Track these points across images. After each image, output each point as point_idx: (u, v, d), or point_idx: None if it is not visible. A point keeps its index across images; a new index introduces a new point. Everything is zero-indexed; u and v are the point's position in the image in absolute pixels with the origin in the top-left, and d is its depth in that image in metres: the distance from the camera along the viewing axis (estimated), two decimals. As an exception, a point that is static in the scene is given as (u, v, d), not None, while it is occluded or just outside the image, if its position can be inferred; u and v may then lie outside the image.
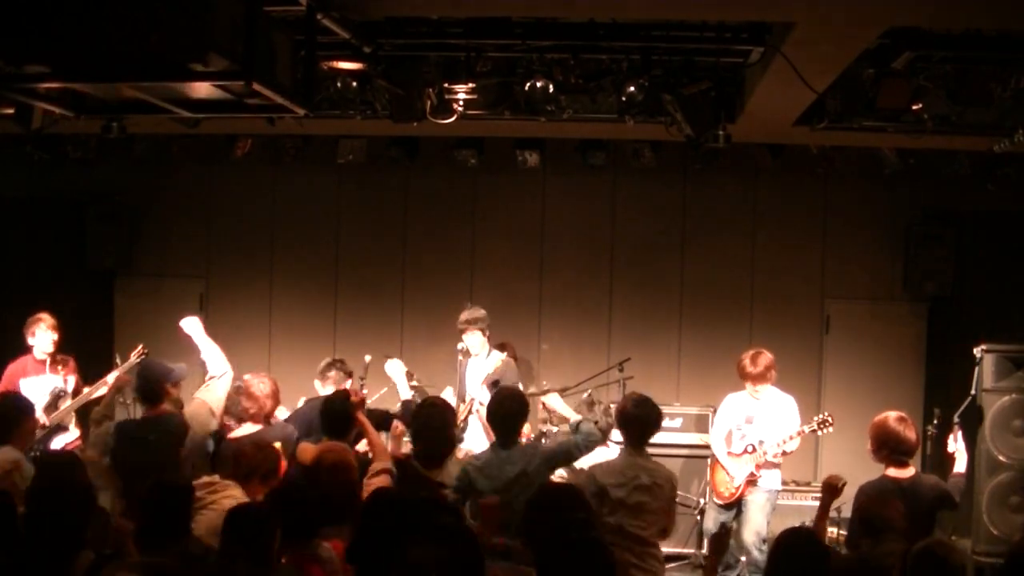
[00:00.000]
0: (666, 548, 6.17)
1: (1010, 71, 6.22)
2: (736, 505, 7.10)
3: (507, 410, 5.39)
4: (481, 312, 7.79)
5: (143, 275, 9.94)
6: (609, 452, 6.32)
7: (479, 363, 7.74)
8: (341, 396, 5.80)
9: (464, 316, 7.74)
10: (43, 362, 7.28)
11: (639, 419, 5.40)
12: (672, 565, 6.15)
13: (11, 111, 6.51)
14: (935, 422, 8.30)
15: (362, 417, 5.56)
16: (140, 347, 7.39)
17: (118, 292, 9.95)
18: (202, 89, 4.50)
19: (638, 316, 9.64)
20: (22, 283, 9.82)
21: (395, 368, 6.56)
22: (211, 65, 4.04)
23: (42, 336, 7.29)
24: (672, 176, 9.44)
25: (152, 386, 5.97)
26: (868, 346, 9.40)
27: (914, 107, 6.50)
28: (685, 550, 7.96)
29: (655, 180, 9.42)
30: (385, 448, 5.51)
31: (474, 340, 7.68)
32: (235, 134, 8.95)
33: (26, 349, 7.39)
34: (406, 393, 6.50)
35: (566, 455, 5.50)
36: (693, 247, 9.67)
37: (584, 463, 5.97)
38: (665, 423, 7.95)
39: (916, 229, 9.23)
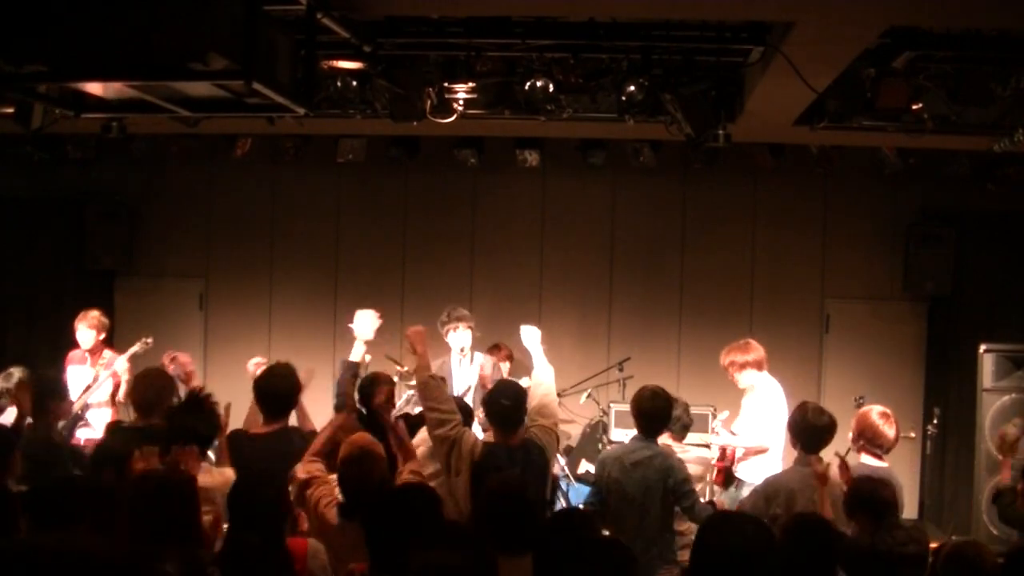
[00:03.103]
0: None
1: (1010, 71, 6.21)
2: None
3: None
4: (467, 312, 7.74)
5: (143, 275, 9.95)
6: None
7: (464, 365, 7.66)
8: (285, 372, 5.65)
9: (455, 313, 7.63)
10: (93, 353, 7.51)
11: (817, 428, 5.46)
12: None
13: (11, 111, 6.53)
14: (934, 422, 8.32)
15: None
16: (146, 338, 7.48)
17: (118, 292, 9.95)
18: (202, 88, 4.50)
19: (638, 315, 9.65)
20: (22, 283, 9.84)
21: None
22: (211, 65, 4.04)
23: (82, 332, 7.50)
24: (672, 176, 9.44)
25: None
26: (868, 346, 9.40)
27: (914, 107, 6.51)
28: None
29: (655, 180, 9.42)
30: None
31: (465, 337, 7.59)
32: (235, 134, 8.95)
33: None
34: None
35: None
36: (693, 247, 9.67)
37: None
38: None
39: (916, 229, 9.23)
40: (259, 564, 3.66)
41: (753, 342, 7.07)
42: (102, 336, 7.58)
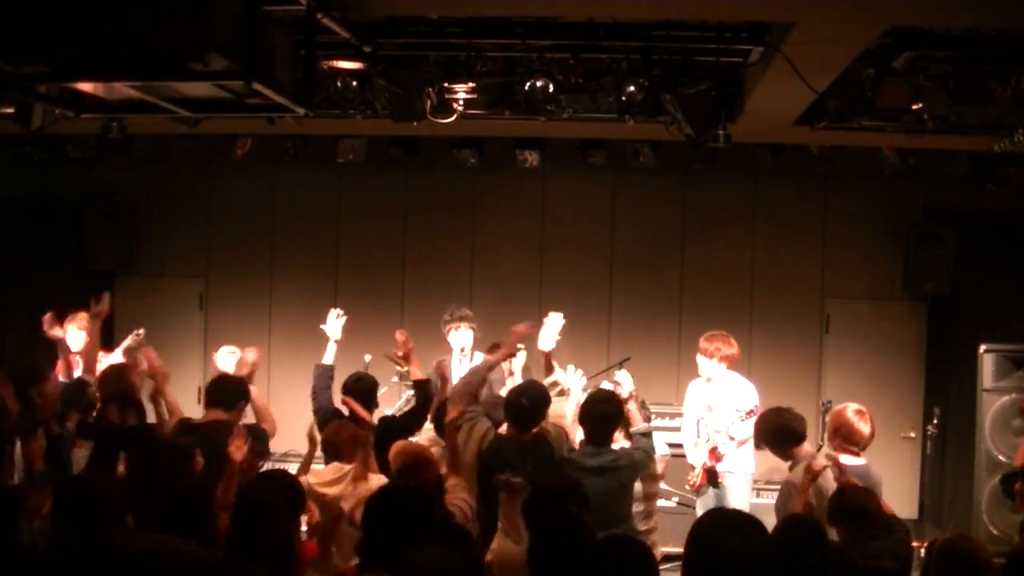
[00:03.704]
0: (666, 548, 6.16)
1: (1010, 71, 6.21)
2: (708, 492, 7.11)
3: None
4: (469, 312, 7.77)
5: (143, 275, 9.94)
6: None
7: (465, 365, 7.65)
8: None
9: (457, 312, 7.65)
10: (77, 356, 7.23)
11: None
12: (667, 566, 6.13)
13: (11, 111, 6.52)
14: (934, 422, 8.33)
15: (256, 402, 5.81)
16: (137, 330, 7.34)
17: (118, 292, 9.89)
18: (202, 88, 4.50)
19: (638, 316, 9.64)
20: (22, 283, 9.83)
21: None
22: (211, 65, 4.05)
23: (72, 334, 7.28)
24: (672, 176, 9.44)
25: None
26: (868, 346, 9.39)
27: (914, 107, 6.50)
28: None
29: (655, 180, 9.42)
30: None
31: (467, 337, 7.60)
32: (235, 134, 8.95)
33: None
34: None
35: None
36: (693, 247, 9.67)
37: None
38: (665, 423, 8.00)
39: (916, 229, 9.22)
40: (262, 560, 3.66)
41: (732, 338, 7.13)
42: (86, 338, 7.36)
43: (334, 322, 6.70)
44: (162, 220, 9.98)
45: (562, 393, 5.86)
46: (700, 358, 7.16)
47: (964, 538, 3.94)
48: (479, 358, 7.65)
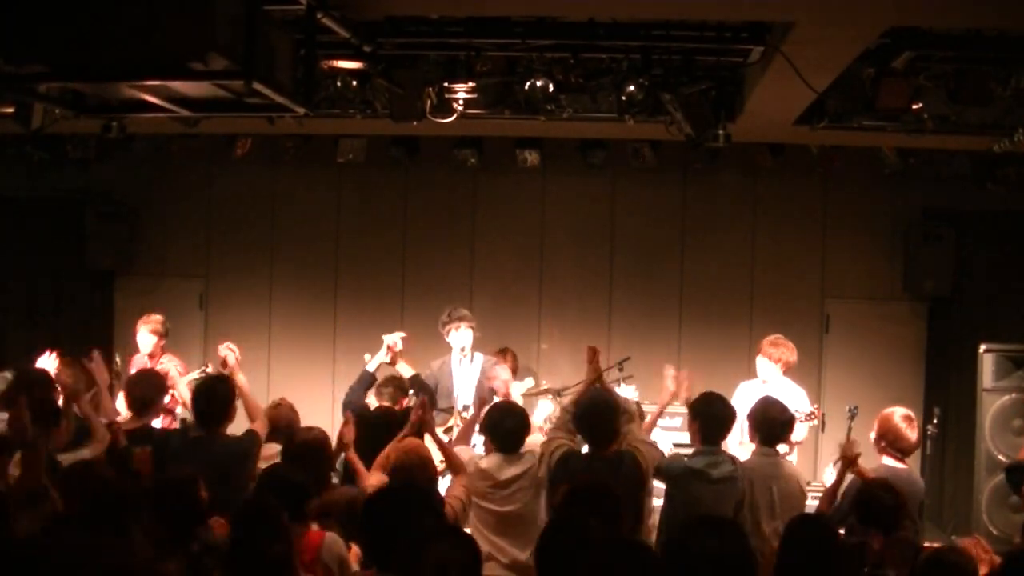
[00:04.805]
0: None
1: (1010, 71, 6.21)
2: None
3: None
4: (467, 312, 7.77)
5: (143, 275, 9.94)
6: None
7: (464, 365, 7.66)
8: (221, 379, 5.78)
9: (456, 312, 7.64)
10: (152, 357, 7.40)
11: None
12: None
13: (11, 111, 6.52)
14: (934, 421, 8.32)
15: (248, 399, 5.77)
16: (203, 367, 7.31)
17: (118, 292, 9.95)
18: (202, 88, 4.50)
19: (638, 316, 9.64)
20: (22, 283, 9.84)
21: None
22: (211, 65, 4.05)
23: (142, 336, 7.42)
24: (672, 176, 9.44)
25: None
26: (868, 346, 9.40)
27: (914, 107, 6.51)
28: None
29: (655, 180, 9.42)
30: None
31: (466, 337, 7.59)
32: (235, 134, 8.95)
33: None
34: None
35: None
36: (693, 247, 9.67)
37: None
38: (665, 422, 7.98)
39: (916, 229, 9.22)
40: (263, 568, 3.67)
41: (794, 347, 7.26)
42: (163, 343, 7.47)
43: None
44: (162, 220, 9.98)
45: (632, 419, 5.64)
46: (761, 360, 7.18)
47: (953, 550, 3.95)
48: (479, 358, 7.66)
